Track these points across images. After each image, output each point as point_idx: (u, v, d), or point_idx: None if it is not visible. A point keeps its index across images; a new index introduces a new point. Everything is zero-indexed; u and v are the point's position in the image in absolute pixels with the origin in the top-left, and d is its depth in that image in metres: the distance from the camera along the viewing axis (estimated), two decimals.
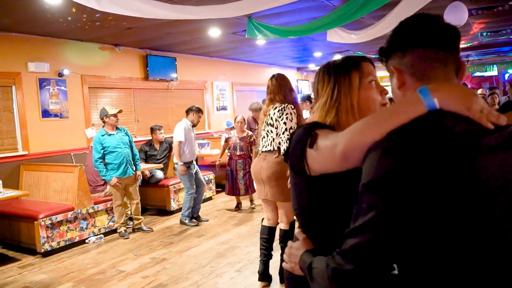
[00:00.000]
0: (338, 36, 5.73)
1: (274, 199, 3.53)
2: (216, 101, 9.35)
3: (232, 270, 4.10)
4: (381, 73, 17.24)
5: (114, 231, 5.51)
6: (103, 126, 5.32)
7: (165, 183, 6.38)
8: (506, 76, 12.90)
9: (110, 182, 5.23)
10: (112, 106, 5.53)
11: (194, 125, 5.89)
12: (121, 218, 5.39)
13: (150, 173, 6.39)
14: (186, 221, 5.75)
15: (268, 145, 3.50)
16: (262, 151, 3.57)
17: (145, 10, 4.05)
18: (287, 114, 3.37)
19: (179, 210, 6.13)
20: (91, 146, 5.54)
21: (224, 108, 9.58)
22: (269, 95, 3.56)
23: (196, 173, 5.92)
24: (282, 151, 3.39)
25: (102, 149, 5.21)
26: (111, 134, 5.30)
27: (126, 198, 5.52)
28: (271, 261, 3.77)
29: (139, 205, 5.58)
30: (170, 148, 6.62)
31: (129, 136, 5.52)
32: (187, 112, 5.89)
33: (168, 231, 5.57)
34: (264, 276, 3.72)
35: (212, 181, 7.19)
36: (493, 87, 8.12)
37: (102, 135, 5.25)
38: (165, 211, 6.40)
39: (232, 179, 6.14)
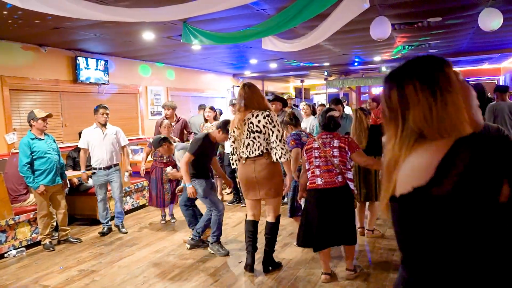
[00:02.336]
0: (273, 44, 5.86)
1: (267, 196, 3.90)
2: (151, 106, 9.13)
3: (166, 279, 4.00)
4: (313, 81, 17.57)
5: (38, 243, 5.15)
6: (30, 130, 4.98)
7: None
8: None
9: (37, 190, 4.90)
10: (41, 110, 5.19)
11: (103, 125, 5.55)
12: (46, 229, 5.05)
13: (79, 181, 6.07)
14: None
15: (255, 150, 3.81)
16: (248, 157, 3.84)
17: (74, 10, 3.86)
18: (276, 121, 3.81)
19: (111, 219, 5.85)
20: (13, 153, 5.15)
21: (158, 113, 9.36)
22: (243, 103, 3.82)
23: (110, 181, 5.58)
24: (278, 157, 3.74)
25: (31, 153, 4.88)
26: (40, 139, 4.99)
27: (52, 208, 5.19)
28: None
29: (66, 215, 5.27)
30: None
31: (56, 144, 5.26)
32: (94, 113, 5.63)
33: (98, 241, 5.31)
34: (252, 267, 4.00)
35: (146, 188, 6.98)
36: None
37: (32, 139, 4.92)
38: (95, 221, 6.10)
39: (156, 188, 5.79)
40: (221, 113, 8.07)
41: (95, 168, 5.51)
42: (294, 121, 4.71)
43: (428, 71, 1.13)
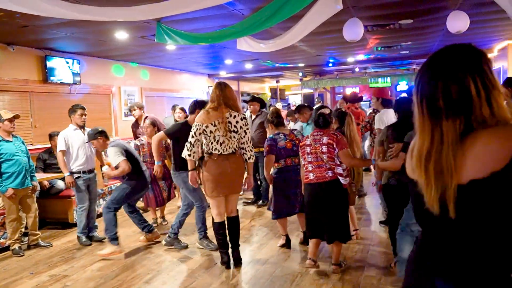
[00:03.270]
0: (248, 44, 5.86)
1: (236, 192, 4.12)
2: (124, 107, 8.97)
3: (141, 282, 3.95)
4: (288, 81, 17.72)
5: (7, 248, 4.98)
6: None
7: (67, 193, 5.93)
8: (398, 87, 14.27)
9: (6, 193, 4.74)
10: (8, 111, 5.02)
11: (81, 126, 5.26)
12: (15, 233, 4.89)
13: (50, 184, 5.91)
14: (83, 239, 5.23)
15: (229, 148, 3.94)
16: (222, 154, 3.92)
17: (44, 9, 3.76)
18: (248, 123, 4.08)
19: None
20: None
21: None
22: (220, 101, 3.89)
23: (89, 184, 5.26)
24: (248, 157, 4.05)
25: None
26: (8, 141, 4.84)
27: (22, 212, 5.03)
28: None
29: (37, 219, 5.12)
30: None
31: (25, 146, 5.09)
32: (69, 114, 5.29)
33: (71, 246, 5.19)
34: (229, 263, 4.14)
35: None
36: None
37: None
38: (67, 224, 5.95)
39: (153, 189, 5.57)
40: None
41: (78, 172, 5.15)
42: (275, 120, 4.60)
43: (478, 63, 1.19)
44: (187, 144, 3.93)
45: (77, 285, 3.95)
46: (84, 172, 5.17)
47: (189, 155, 3.92)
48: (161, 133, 4.69)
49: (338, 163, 3.73)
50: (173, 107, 8.50)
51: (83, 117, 5.26)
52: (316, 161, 3.75)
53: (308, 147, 3.81)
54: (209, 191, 4.01)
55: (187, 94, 11.82)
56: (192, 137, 3.90)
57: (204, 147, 4.01)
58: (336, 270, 3.87)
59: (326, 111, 3.85)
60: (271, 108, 4.86)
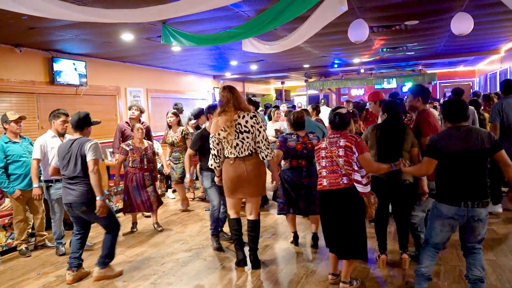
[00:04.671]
0: (253, 46, 5.87)
1: (254, 195, 4.03)
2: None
3: (147, 283, 3.96)
4: (293, 83, 17.81)
5: (14, 249, 5.02)
6: (4, 133, 4.85)
7: None
8: (404, 88, 14.20)
9: (13, 194, 4.77)
10: (14, 112, 5.05)
11: (61, 134, 4.83)
12: (23, 234, 4.92)
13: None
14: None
15: (244, 150, 3.88)
16: (238, 157, 3.89)
17: (50, 11, 3.79)
18: (262, 121, 4.01)
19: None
20: None
21: None
22: (230, 104, 3.88)
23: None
24: (265, 156, 3.89)
25: (5, 157, 4.75)
26: (15, 142, 4.87)
27: (29, 213, 5.06)
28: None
29: (44, 220, 5.15)
30: None
31: (33, 147, 5.09)
32: (50, 119, 4.90)
33: None
34: (244, 261, 4.15)
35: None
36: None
37: (6, 142, 4.80)
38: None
39: (140, 195, 5.46)
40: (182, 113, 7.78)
41: (50, 181, 4.77)
42: (294, 122, 4.54)
43: None
44: (213, 155, 4.01)
45: (83, 286, 3.97)
46: (57, 181, 4.70)
47: (218, 166, 4.04)
48: (189, 150, 4.86)
49: (356, 168, 3.32)
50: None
51: (65, 124, 4.78)
52: (331, 166, 3.42)
53: (323, 151, 3.49)
54: (226, 192, 4.10)
55: (192, 96, 11.86)
56: (213, 149, 3.97)
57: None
58: (344, 287, 3.52)
59: (343, 110, 3.55)
60: (294, 111, 4.78)
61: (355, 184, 3.33)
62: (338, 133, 3.49)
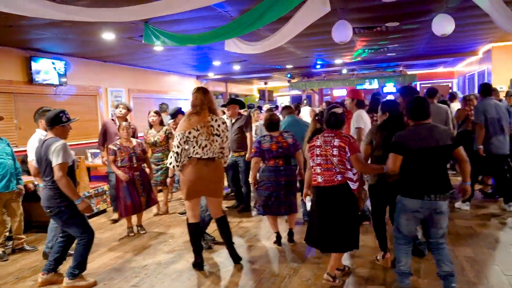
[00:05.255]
0: (236, 46, 5.85)
1: (219, 195, 4.20)
2: (111, 108, 8.89)
3: (128, 286, 3.90)
4: (276, 83, 17.92)
5: None
6: None
7: None
8: (384, 89, 14.40)
9: None
10: None
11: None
12: (0, 238, 4.81)
13: (35, 186, 5.80)
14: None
15: (210, 153, 3.97)
16: (201, 158, 3.94)
17: (30, 9, 3.70)
18: (226, 127, 4.15)
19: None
20: None
21: None
22: (204, 106, 3.94)
23: None
24: (224, 162, 4.17)
25: None
26: None
27: (7, 216, 4.93)
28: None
29: (22, 223, 5.03)
30: None
31: (10, 148, 4.98)
32: (36, 118, 4.79)
33: None
34: (200, 265, 4.17)
35: (107, 192, 6.77)
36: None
37: None
38: None
39: (131, 195, 5.37)
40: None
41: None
42: (267, 125, 4.67)
43: None
44: (174, 154, 3.91)
45: None
46: None
47: (178, 166, 3.93)
48: None
49: (349, 167, 3.49)
50: (161, 108, 8.43)
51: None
52: (325, 164, 3.52)
53: (317, 149, 3.58)
54: (184, 194, 4.07)
55: (175, 96, 11.77)
56: (178, 147, 3.88)
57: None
58: (329, 280, 3.63)
59: (339, 110, 3.59)
60: (266, 114, 4.84)
61: (348, 181, 3.51)
62: (332, 132, 3.58)
